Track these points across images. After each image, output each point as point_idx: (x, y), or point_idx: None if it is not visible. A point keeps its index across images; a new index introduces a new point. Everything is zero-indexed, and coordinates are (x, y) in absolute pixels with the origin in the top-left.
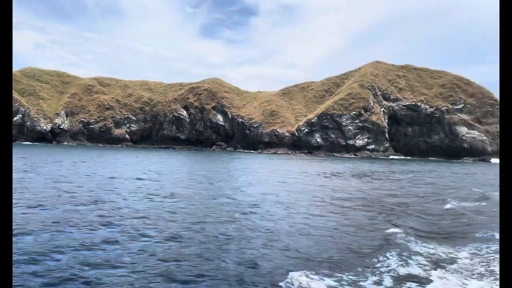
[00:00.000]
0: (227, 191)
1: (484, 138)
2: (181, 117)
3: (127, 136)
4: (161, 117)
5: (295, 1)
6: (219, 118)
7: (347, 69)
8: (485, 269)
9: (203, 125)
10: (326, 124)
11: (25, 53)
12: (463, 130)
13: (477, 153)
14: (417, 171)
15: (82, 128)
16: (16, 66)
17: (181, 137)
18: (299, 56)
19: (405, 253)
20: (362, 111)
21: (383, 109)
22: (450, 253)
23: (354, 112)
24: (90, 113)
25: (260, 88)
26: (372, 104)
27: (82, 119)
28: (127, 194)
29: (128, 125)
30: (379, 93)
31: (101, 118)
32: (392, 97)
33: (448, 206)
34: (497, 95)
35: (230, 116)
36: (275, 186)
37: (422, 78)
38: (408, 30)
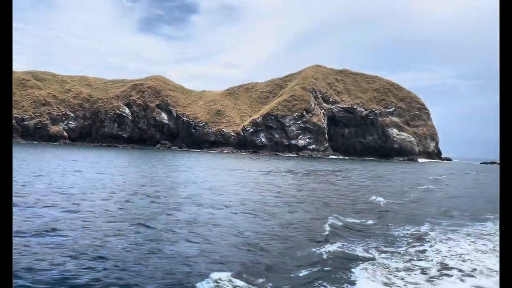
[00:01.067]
0: (158, 191)
1: (412, 139)
2: (123, 114)
3: (64, 133)
4: (102, 114)
5: (236, 1)
6: (164, 116)
7: (287, 70)
8: (404, 265)
9: (146, 123)
10: (271, 124)
11: None
12: (394, 131)
13: (406, 153)
14: (353, 169)
15: (15, 124)
16: None
17: (123, 135)
18: (239, 57)
19: (338, 250)
20: (304, 113)
21: (323, 111)
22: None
23: (296, 113)
24: (24, 108)
25: (200, 87)
26: (313, 106)
27: (16, 115)
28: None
29: (66, 122)
30: (319, 95)
31: (36, 114)
32: (331, 100)
33: (375, 200)
34: (423, 100)
35: (175, 115)
36: (212, 184)
37: (358, 82)
38: (342, 35)
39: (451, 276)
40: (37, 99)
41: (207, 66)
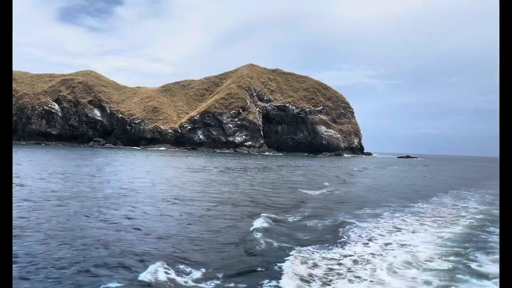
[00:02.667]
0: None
1: (339, 136)
2: (52, 111)
3: None
4: (28, 110)
5: None
6: (97, 113)
7: (216, 67)
8: (326, 255)
9: (78, 120)
10: (208, 121)
11: None
12: (322, 129)
13: (333, 149)
14: (284, 165)
15: None
16: None
17: (53, 132)
18: (167, 51)
19: (261, 243)
20: (241, 110)
21: (258, 108)
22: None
23: (233, 111)
24: None
25: (125, 81)
26: (249, 104)
27: None
28: None
29: None
30: (255, 94)
31: None
32: (265, 98)
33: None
34: (348, 100)
35: (108, 111)
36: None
37: (289, 82)
38: (268, 34)
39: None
40: None
41: (132, 60)
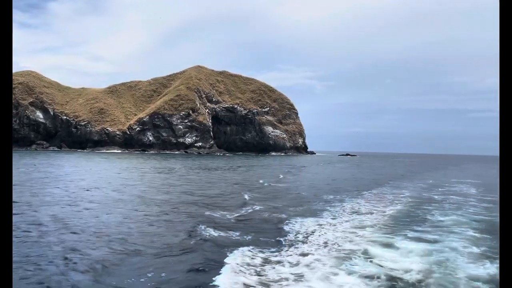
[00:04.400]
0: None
1: (285, 136)
2: None
3: None
4: None
5: None
6: (39, 115)
7: (159, 66)
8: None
9: (18, 123)
10: (158, 123)
11: None
12: (269, 129)
13: (280, 148)
14: (235, 165)
15: None
16: None
17: None
18: (106, 49)
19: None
20: (190, 112)
21: (207, 110)
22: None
23: (183, 112)
24: None
25: (61, 80)
26: (198, 105)
27: None
28: None
29: None
30: (204, 95)
31: None
32: (214, 100)
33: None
34: (292, 101)
35: (52, 113)
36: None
37: (237, 83)
38: (211, 34)
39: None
40: None
41: (69, 58)
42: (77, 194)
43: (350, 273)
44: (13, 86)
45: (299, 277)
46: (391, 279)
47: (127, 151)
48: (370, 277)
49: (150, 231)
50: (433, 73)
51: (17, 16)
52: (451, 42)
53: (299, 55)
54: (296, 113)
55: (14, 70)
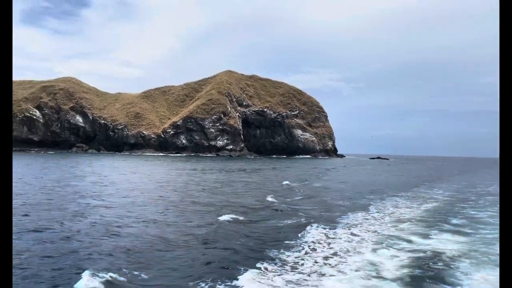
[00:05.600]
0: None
1: (314, 139)
2: (34, 117)
3: None
4: None
5: None
6: (79, 119)
7: (186, 70)
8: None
9: (60, 127)
10: (191, 126)
11: None
12: (298, 132)
13: (308, 151)
14: (268, 167)
15: None
16: None
17: (34, 139)
18: (136, 55)
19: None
20: (222, 115)
21: (238, 113)
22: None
23: (215, 116)
24: None
25: (93, 85)
26: (229, 109)
27: None
28: None
29: None
30: (234, 99)
31: None
32: (244, 103)
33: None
34: (321, 104)
35: (91, 118)
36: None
37: (266, 87)
38: (238, 37)
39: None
40: None
41: (100, 64)
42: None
43: (390, 256)
44: (55, 91)
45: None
46: (426, 261)
47: (162, 154)
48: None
49: (174, 232)
50: (461, 73)
51: (51, 23)
52: (481, 42)
53: (326, 57)
54: (326, 116)
55: (49, 76)
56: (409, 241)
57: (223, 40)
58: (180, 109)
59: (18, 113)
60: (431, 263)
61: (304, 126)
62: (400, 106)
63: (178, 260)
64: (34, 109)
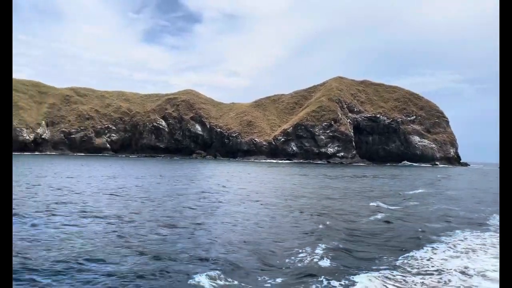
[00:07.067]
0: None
1: (433, 146)
2: (160, 127)
3: (108, 145)
4: (140, 127)
5: (238, 10)
6: (198, 128)
7: (291, 77)
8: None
9: (182, 135)
10: (301, 133)
11: None
12: (415, 139)
13: (427, 159)
14: (398, 175)
15: (63, 137)
16: None
17: (161, 146)
18: (242, 65)
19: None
20: (332, 122)
21: (349, 120)
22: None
23: (325, 123)
24: (70, 123)
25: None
26: (340, 116)
27: (63, 129)
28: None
29: (108, 134)
30: (345, 106)
31: (81, 128)
32: (355, 110)
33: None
34: (441, 108)
35: (208, 126)
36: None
37: (379, 92)
38: (344, 42)
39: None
40: (81, 113)
41: (209, 75)
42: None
43: None
44: (178, 103)
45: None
46: None
47: (273, 160)
48: None
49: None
50: None
51: (168, 40)
52: None
53: (441, 57)
54: (447, 121)
55: (166, 88)
56: None
57: (330, 46)
58: (290, 116)
59: (147, 123)
60: None
61: (422, 132)
62: None
63: None
64: (161, 119)
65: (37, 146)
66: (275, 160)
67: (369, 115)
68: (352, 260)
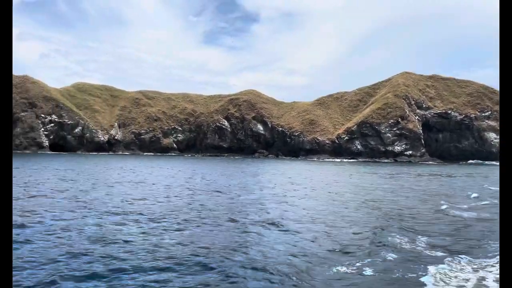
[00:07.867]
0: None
1: None
2: (223, 127)
3: (174, 145)
4: (204, 127)
5: (295, 8)
6: (259, 127)
7: (351, 74)
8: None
9: (244, 134)
10: (366, 131)
11: (30, 62)
12: (491, 136)
13: None
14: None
15: (134, 138)
16: (18, 73)
17: (224, 145)
18: (299, 63)
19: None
20: (399, 120)
21: (417, 117)
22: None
23: (392, 121)
24: (140, 124)
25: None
26: (407, 112)
27: (134, 130)
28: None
29: (175, 135)
30: (413, 102)
31: (150, 129)
32: (424, 106)
33: None
34: None
35: (270, 126)
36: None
37: (449, 87)
38: (408, 35)
39: None
40: (150, 115)
41: (266, 74)
42: None
43: None
44: (240, 103)
45: None
46: None
47: (337, 159)
48: None
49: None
50: None
51: (227, 41)
52: None
53: None
54: None
55: (225, 89)
56: None
57: (393, 40)
58: (353, 114)
59: (211, 124)
60: None
61: (499, 128)
62: None
63: None
64: (223, 119)
65: (110, 146)
66: (338, 159)
67: (439, 111)
68: None
